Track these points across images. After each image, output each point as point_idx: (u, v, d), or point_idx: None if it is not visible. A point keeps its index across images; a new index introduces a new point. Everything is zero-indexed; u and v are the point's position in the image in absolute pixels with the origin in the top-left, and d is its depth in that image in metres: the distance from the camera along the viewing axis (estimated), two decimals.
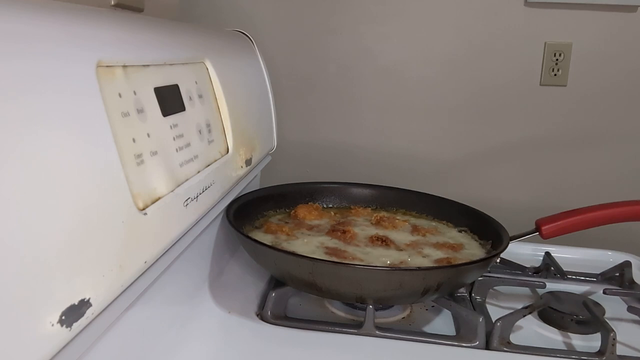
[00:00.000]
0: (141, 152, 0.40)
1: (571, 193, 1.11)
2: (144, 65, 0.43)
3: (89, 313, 0.31)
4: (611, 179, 1.10)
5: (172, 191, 0.44)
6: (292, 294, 0.62)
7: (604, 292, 0.68)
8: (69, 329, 0.29)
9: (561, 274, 0.74)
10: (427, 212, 0.79)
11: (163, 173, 0.43)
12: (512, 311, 0.58)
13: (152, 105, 0.43)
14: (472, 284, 0.67)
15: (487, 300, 0.67)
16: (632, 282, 0.73)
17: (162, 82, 0.46)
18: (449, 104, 1.10)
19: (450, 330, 0.60)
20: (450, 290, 0.64)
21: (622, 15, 1.03)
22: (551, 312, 0.63)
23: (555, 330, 0.62)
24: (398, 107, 1.11)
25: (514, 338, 0.56)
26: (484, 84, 1.09)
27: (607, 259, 0.81)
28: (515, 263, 0.75)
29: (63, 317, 0.29)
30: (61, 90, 0.31)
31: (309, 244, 0.65)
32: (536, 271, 0.75)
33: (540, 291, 0.70)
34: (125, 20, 0.44)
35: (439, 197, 0.80)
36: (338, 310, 0.63)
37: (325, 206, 0.81)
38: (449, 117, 1.11)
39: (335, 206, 0.82)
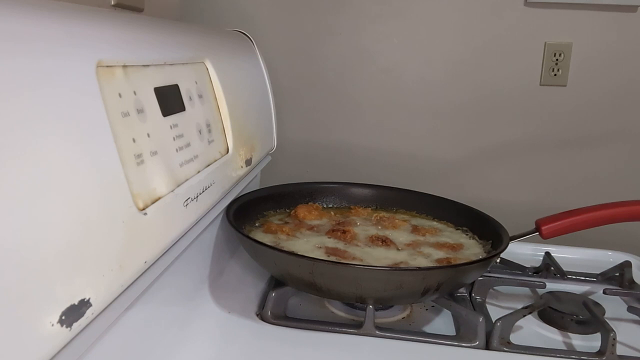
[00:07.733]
0: (141, 152, 0.40)
1: (571, 193, 1.11)
2: (144, 65, 0.43)
3: (89, 313, 0.31)
4: (611, 179, 1.10)
5: (172, 191, 0.44)
6: (292, 294, 0.62)
7: (604, 292, 0.68)
8: (69, 329, 0.29)
9: (561, 274, 0.74)
10: (427, 212, 0.79)
11: (163, 173, 0.43)
12: (512, 311, 0.58)
13: (152, 105, 0.43)
14: (472, 284, 0.67)
15: (487, 300, 0.67)
16: (632, 282, 0.73)
17: (162, 82, 0.46)
18: (448, 104, 1.10)
19: (450, 330, 0.60)
20: (450, 290, 0.64)
21: (622, 15, 1.03)
22: (551, 312, 0.63)
23: (555, 330, 0.62)
24: (398, 107, 1.11)
25: (514, 338, 0.56)
26: (484, 84, 1.09)
27: (607, 259, 0.81)
28: (515, 263, 0.75)
29: (63, 317, 0.29)
30: (61, 90, 0.31)
31: (309, 244, 0.65)
32: (536, 271, 0.75)
33: (540, 291, 0.70)
34: (125, 20, 0.44)
35: (439, 197, 0.80)
36: (338, 310, 0.63)
37: (325, 206, 0.81)
38: (449, 117, 1.11)
39: (335, 206, 0.82)
